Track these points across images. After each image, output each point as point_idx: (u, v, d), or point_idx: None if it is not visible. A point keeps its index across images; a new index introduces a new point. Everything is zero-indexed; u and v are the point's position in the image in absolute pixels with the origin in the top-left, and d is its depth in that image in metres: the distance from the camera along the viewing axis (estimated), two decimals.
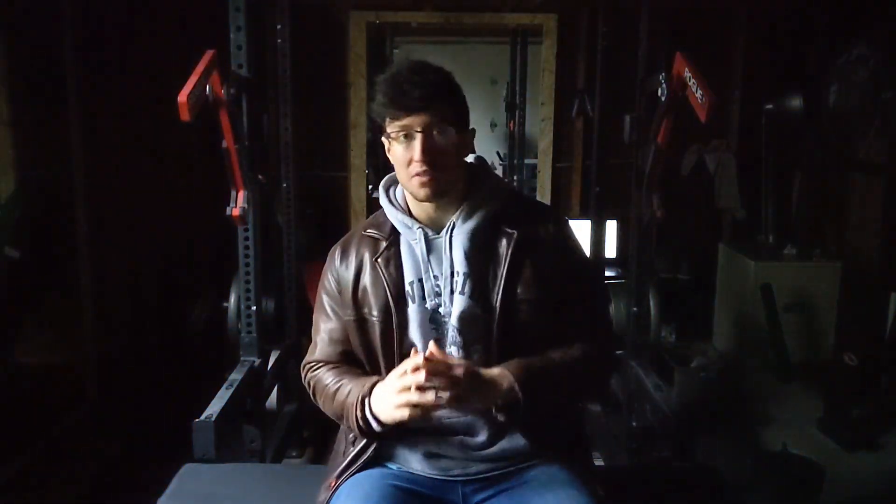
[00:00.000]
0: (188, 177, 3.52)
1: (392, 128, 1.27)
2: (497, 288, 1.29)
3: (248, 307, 2.39)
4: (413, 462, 1.35)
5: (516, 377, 1.22)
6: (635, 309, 2.67)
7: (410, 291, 1.32)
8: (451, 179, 1.30)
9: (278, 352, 2.79)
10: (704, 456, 2.16)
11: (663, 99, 2.20)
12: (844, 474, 2.66)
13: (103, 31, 2.76)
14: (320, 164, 4.03)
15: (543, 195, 4.18)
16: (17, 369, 2.48)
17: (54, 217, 2.59)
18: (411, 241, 1.34)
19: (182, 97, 1.80)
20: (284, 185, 3.11)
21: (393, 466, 1.35)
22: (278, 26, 3.00)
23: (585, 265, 1.45)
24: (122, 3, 2.91)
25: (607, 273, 3.80)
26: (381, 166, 5.65)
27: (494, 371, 1.23)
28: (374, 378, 1.29)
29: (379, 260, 1.33)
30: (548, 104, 4.11)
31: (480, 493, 1.34)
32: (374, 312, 1.32)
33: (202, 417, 1.92)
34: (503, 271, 1.29)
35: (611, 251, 3.93)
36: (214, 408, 1.99)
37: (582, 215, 4.03)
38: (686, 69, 2.06)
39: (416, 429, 1.31)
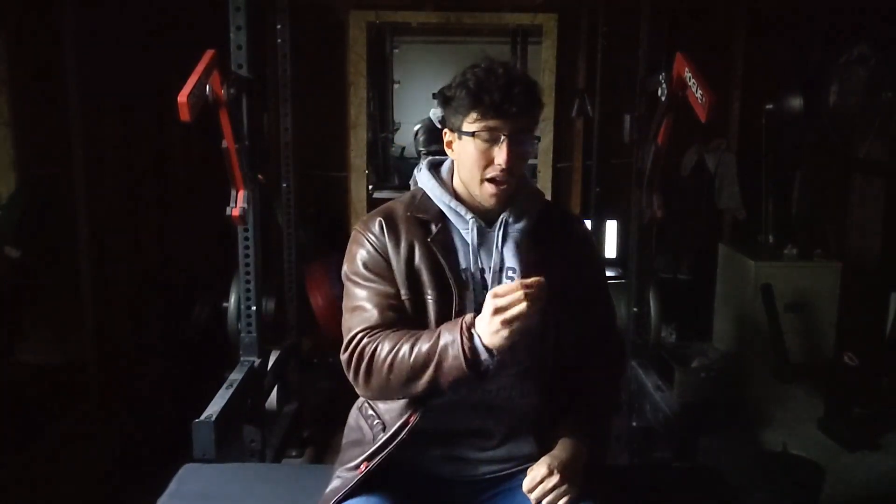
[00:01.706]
0: (188, 177, 3.52)
1: (476, 126, 1.26)
2: (551, 288, 1.30)
3: (248, 307, 2.39)
4: (423, 463, 1.36)
5: (589, 448, 1.29)
6: (635, 309, 2.67)
7: (464, 278, 1.31)
8: (516, 186, 1.32)
9: (278, 352, 2.80)
10: (704, 456, 2.16)
11: (663, 99, 2.20)
12: (844, 474, 2.67)
13: (103, 31, 2.75)
14: (320, 164, 4.02)
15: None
16: (18, 369, 2.48)
17: (54, 217, 2.58)
18: (462, 230, 1.34)
19: (182, 97, 1.80)
20: (284, 185, 3.12)
21: (401, 466, 1.35)
22: (278, 26, 3.00)
23: (604, 270, 1.55)
24: (122, 3, 2.91)
25: (607, 273, 3.80)
26: (381, 166, 5.67)
27: (572, 453, 1.27)
28: (468, 314, 1.22)
29: (434, 243, 1.31)
30: (548, 104, 4.10)
31: (485, 493, 1.36)
32: (430, 293, 1.29)
33: (202, 417, 1.92)
34: (554, 272, 1.30)
35: (611, 251, 3.93)
36: (214, 408, 1.99)
37: (582, 215, 4.03)
38: (686, 69, 2.07)
39: (430, 430, 1.32)
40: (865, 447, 2.88)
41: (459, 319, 1.21)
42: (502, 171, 1.26)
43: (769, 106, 3.74)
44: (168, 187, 3.39)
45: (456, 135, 1.30)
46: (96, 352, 2.72)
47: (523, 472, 1.29)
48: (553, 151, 4.16)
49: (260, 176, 2.33)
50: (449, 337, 1.19)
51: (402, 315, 1.30)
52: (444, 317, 1.27)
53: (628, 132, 2.62)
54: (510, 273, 1.31)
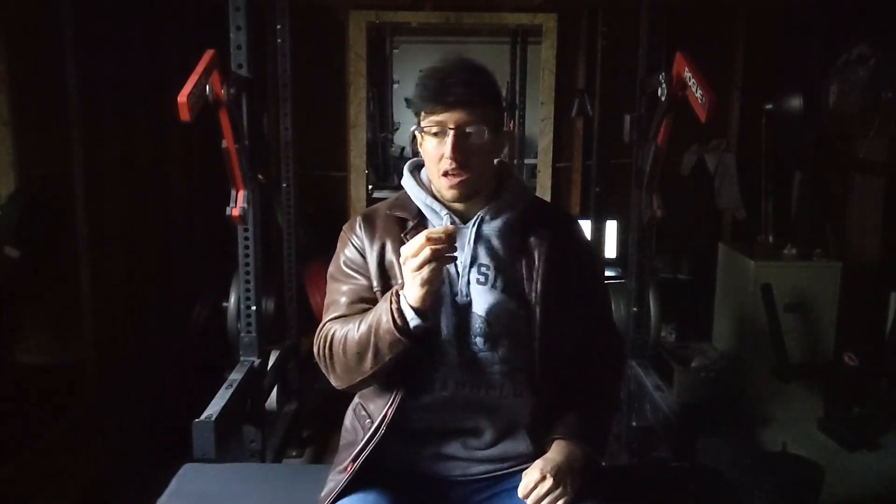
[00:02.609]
0: (188, 176, 3.52)
1: (426, 122, 1.28)
2: (535, 286, 1.31)
3: (248, 307, 2.39)
4: (416, 463, 1.35)
5: (584, 450, 1.29)
6: (635, 309, 2.66)
7: None
8: (480, 181, 1.32)
9: (278, 352, 2.80)
10: (704, 456, 2.16)
11: (663, 99, 2.20)
12: (844, 474, 2.67)
13: (103, 31, 2.75)
14: (320, 164, 4.03)
15: (543, 195, 4.18)
16: (18, 369, 2.48)
17: (54, 217, 2.58)
18: (437, 226, 1.34)
19: (182, 97, 1.80)
20: (284, 185, 3.12)
21: (395, 468, 1.35)
22: (278, 26, 3.00)
23: (599, 268, 1.51)
24: (122, 3, 2.91)
25: (607, 273, 3.80)
26: (381, 166, 5.67)
27: (566, 455, 1.27)
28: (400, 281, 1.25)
29: (408, 236, 1.33)
30: (548, 104, 4.11)
31: (480, 493, 1.35)
32: (401, 282, 1.30)
33: (202, 417, 1.92)
34: (539, 270, 1.32)
35: (611, 251, 3.93)
36: (214, 408, 1.99)
37: (582, 215, 4.03)
38: (686, 69, 2.06)
39: (422, 430, 1.32)
40: (865, 447, 2.88)
41: (394, 287, 1.25)
42: (451, 163, 1.27)
43: (769, 106, 3.74)
44: (168, 187, 3.39)
45: (420, 135, 1.32)
46: (96, 352, 2.72)
47: (519, 473, 1.29)
48: (553, 151, 4.16)
49: (260, 176, 2.32)
50: (383, 305, 1.23)
51: (370, 306, 1.31)
52: None
53: (628, 132, 2.62)
54: (483, 269, 1.32)
